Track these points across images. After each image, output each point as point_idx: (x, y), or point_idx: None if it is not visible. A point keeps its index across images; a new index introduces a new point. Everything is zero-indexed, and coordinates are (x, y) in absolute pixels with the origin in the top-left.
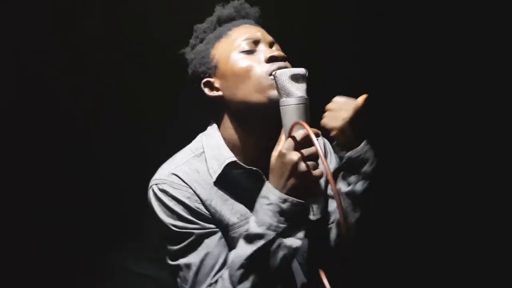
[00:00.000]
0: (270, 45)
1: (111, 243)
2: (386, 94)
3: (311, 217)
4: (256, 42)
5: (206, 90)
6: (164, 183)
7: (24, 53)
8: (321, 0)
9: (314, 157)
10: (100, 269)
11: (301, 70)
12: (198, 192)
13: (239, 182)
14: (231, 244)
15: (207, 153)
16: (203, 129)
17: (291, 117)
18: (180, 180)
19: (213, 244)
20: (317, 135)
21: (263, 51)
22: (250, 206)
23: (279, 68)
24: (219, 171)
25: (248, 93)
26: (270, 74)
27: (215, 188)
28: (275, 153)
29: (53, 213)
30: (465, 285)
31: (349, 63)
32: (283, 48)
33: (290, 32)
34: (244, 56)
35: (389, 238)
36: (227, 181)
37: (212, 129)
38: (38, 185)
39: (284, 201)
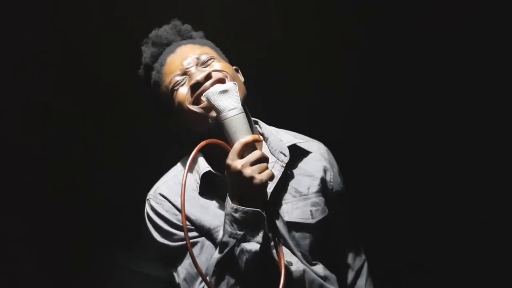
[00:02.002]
0: (198, 62)
1: (111, 243)
2: (386, 95)
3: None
4: (184, 72)
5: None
6: (151, 199)
7: (24, 53)
8: (322, 0)
9: (262, 160)
10: (100, 269)
11: (227, 86)
12: (177, 204)
13: (220, 189)
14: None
15: (192, 167)
16: None
17: (231, 130)
18: (161, 196)
19: (196, 252)
20: (257, 141)
21: (189, 80)
22: None
23: (204, 90)
24: (199, 181)
25: (190, 128)
26: (197, 103)
27: (197, 198)
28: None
29: (53, 213)
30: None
31: (348, 63)
32: (284, 49)
33: (291, 32)
34: (178, 93)
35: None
36: (210, 189)
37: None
38: (39, 185)
39: (236, 210)
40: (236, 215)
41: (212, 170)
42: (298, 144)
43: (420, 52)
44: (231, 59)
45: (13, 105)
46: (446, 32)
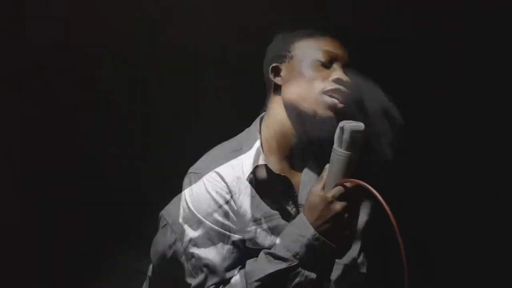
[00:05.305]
0: (343, 65)
1: (113, 242)
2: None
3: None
4: (332, 60)
5: (271, 75)
6: (200, 173)
7: (24, 53)
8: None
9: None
10: (101, 268)
11: (361, 127)
12: (230, 186)
13: (267, 182)
14: (250, 239)
15: (244, 149)
16: (205, 133)
17: (339, 167)
18: (215, 173)
19: (228, 245)
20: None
21: (334, 70)
22: (275, 206)
23: (335, 90)
24: (250, 169)
25: (301, 98)
26: (328, 94)
27: (245, 184)
28: (316, 190)
29: (54, 213)
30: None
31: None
32: None
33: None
34: (316, 65)
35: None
36: (257, 179)
37: (254, 125)
38: (40, 186)
39: (317, 239)
40: (315, 243)
41: (267, 165)
42: None
43: (420, 52)
44: (231, 59)
45: (13, 103)
46: (446, 32)
